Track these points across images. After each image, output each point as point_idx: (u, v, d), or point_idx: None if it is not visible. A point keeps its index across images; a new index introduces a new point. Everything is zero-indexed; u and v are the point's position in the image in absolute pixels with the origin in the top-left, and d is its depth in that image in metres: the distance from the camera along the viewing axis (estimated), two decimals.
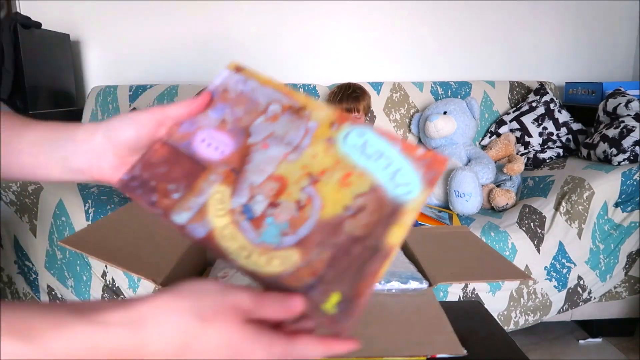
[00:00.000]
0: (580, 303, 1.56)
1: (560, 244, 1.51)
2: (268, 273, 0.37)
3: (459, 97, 2.10)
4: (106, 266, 1.40)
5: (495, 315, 1.52)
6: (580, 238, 1.51)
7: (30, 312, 0.27)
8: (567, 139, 1.96)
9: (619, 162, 1.58)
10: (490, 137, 2.06)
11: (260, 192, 0.40)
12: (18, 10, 2.04)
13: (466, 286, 1.46)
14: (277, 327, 0.35)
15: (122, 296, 1.45)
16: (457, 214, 1.67)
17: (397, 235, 0.37)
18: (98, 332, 0.28)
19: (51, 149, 0.44)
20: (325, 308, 0.35)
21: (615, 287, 1.58)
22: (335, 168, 0.41)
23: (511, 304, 1.51)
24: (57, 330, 0.27)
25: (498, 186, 1.79)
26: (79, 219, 1.42)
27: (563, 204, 1.52)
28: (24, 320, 0.27)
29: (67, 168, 0.44)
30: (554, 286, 1.52)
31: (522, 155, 1.95)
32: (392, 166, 0.41)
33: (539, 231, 1.51)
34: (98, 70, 2.19)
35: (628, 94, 1.75)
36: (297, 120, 0.44)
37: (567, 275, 1.52)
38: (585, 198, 1.50)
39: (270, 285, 0.36)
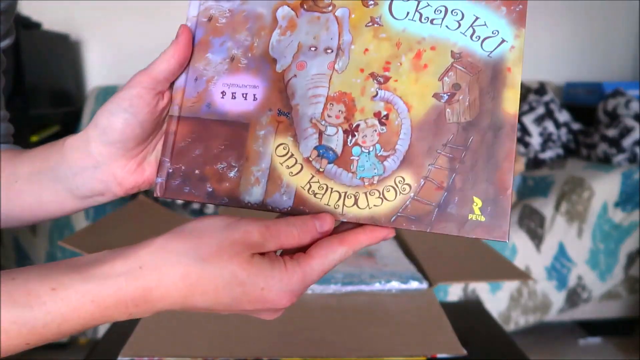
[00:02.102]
0: (580, 303, 1.56)
1: (560, 244, 1.51)
2: (389, 211, 0.31)
3: None
4: None
5: (495, 315, 1.51)
6: (580, 238, 1.51)
7: (27, 277, 0.26)
8: (567, 139, 1.96)
9: (619, 162, 1.58)
10: None
11: (328, 123, 0.33)
12: (18, 10, 2.04)
13: (466, 286, 1.46)
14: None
15: None
16: None
17: (513, 99, 0.31)
18: (98, 287, 0.27)
19: (52, 182, 0.37)
20: (474, 218, 0.30)
21: (615, 287, 1.59)
22: (398, 54, 0.32)
23: (511, 304, 1.51)
24: (56, 292, 0.26)
25: None
26: (79, 219, 1.42)
27: (563, 204, 1.52)
28: (21, 286, 0.26)
29: (79, 197, 0.37)
30: (554, 286, 1.52)
31: (522, 155, 1.95)
32: (465, 20, 0.32)
33: (539, 231, 1.51)
34: (98, 70, 2.19)
35: (628, 94, 1.75)
36: (321, 15, 0.34)
37: (567, 275, 1.52)
38: (585, 198, 1.50)
39: (398, 224, 0.31)
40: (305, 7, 0.34)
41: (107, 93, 2.00)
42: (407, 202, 0.31)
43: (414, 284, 0.64)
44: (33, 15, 1.81)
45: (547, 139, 1.97)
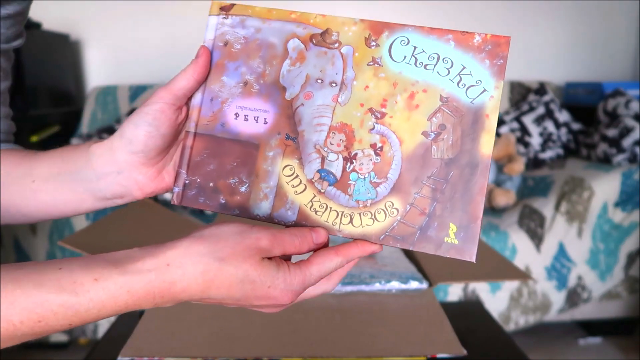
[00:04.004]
0: (580, 303, 1.56)
1: (560, 244, 1.51)
2: (379, 230, 0.36)
3: None
4: None
5: (495, 315, 1.52)
6: (580, 238, 1.51)
7: (71, 268, 0.31)
8: (567, 139, 1.96)
9: (619, 162, 1.59)
10: None
11: (330, 150, 0.37)
12: None
13: (466, 286, 1.46)
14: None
15: None
16: None
17: (488, 142, 0.35)
18: (132, 279, 0.31)
19: (73, 183, 0.40)
20: (449, 241, 0.35)
21: (615, 287, 1.59)
22: (394, 93, 0.37)
23: (511, 304, 1.51)
24: (98, 282, 0.30)
25: (498, 186, 1.79)
26: (79, 219, 1.42)
27: (563, 204, 1.52)
28: (67, 276, 0.30)
29: (100, 198, 0.41)
30: (554, 286, 1.52)
31: (522, 155, 1.95)
32: (454, 68, 0.36)
33: (539, 231, 1.51)
34: (98, 70, 2.19)
35: (628, 94, 1.75)
36: (328, 50, 0.38)
37: (567, 275, 1.52)
38: (585, 198, 1.50)
39: (386, 242, 0.36)
40: (314, 41, 0.38)
41: (106, 93, 2.00)
42: (395, 224, 0.36)
43: (414, 284, 0.64)
44: (33, 15, 1.81)
45: (547, 139, 1.97)
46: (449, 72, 0.36)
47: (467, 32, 0.37)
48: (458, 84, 0.36)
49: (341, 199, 0.36)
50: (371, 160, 0.36)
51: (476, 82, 0.36)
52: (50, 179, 0.40)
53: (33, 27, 1.75)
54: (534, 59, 2.31)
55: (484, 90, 0.36)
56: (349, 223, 0.36)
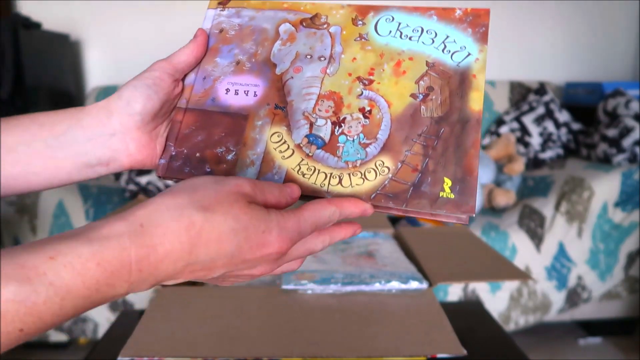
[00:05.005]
0: (580, 303, 1.56)
1: (560, 244, 1.51)
2: (370, 189, 0.35)
3: None
4: None
5: (495, 315, 1.52)
6: (580, 238, 1.51)
7: (14, 253, 0.24)
8: (567, 139, 1.96)
9: (619, 162, 1.59)
10: (490, 137, 2.06)
11: (318, 116, 0.37)
12: (18, 10, 2.04)
13: (466, 286, 1.46)
14: None
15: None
16: None
17: (477, 99, 0.36)
18: (102, 247, 0.25)
19: (51, 149, 0.37)
20: (445, 195, 0.34)
21: (615, 287, 1.59)
22: (381, 62, 0.38)
23: (511, 304, 1.51)
24: (56, 260, 0.24)
25: (498, 186, 1.79)
26: (79, 219, 1.42)
27: (563, 203, 1.52)
28: (10, 262, 0.23)
29: (81, 165, 0.37)
30: (554, 286, 1.52)
31: (522, 155, 1.95)
32: (438, 37, 0.37)
33: (539, 231, 1.51)
34: (98, 70, 2.19)
35: (628, 94, 1.75)
36: (317, 30, 0.39)
37: (567, 275, 1.52)
38: (585, 198, 1.50)
39: (377, 201, 0.35)
40: (304, 24, 0.40)
41: (107, 93, 2.00)
42: (386, 182, 0.35)
43: (414, 284, 0.64)
44: (33, 15, 1.81)
45: (547, 139, 1.97)
46: (433, 41, 0.37)
47: (448, 8, 0.38)
48: (443, 50, 0.37)
49: (330, 161, 0.36)
50: (360, 122, 0.36)
51: (460, 48, 0.37)
52: (17, 148, 0.36)
53: (33, 27, 1.75)
54: (534, 59, 2.31)
55: (469, 54, 0.37)
56: (337, 184, 0.35)
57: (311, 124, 0.37)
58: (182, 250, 0.28)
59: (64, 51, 2.03)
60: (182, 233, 0.27)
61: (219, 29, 0.41)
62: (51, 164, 0.37)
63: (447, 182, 0.34)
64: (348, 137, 0.36)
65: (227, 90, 0.39)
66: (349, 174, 0.35)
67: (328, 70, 0.38)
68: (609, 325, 1.66)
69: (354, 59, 0.38)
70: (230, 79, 0.39)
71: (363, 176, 0.35)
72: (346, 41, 0.39)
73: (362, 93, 0.37)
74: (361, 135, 0.36)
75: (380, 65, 0.37)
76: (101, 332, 1.49)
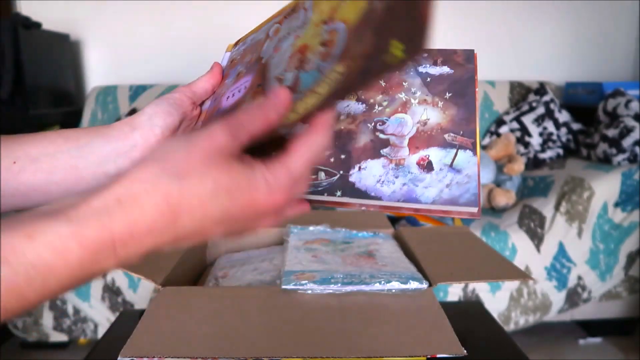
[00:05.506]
0: (580, 303, 1.56)
1: (560, 244, 1.51)
2: (329, 90, 0.31)
3: None
4: None
5: (495, 315, 1.52)
6: (580, 238, 1.51)
7: None
8: (567, 139, 1.96)
9: (619, 162, 1.59)
10: (490, 137, 2.06)
11: (287, 72, 0.36)
12: (18, 10, 2.04)
13: (466, 286, 1.46)
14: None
15: (122, 296, 1.45)
16: None
17: None
18: (81, 226, 0.24)
19: (75, 159, 0.38)
20: (393, 53, 0.29)
21: (615, 287, 1.59)
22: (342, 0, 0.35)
23: (511, 304, 1.51)
24: (35, 239, 0.23)
25: (498, 186, 1.79)
26: None
27: (563, 204, 1.52)
28: None
29: (102, 175, 0.39)
30: (554, 286, 1.52)
31: (522, 155, 1.96)
32: None
33: (539, 231, 1.51)
34: (98, 70, 2.19)
35: (628, 94, 1.75)
36: (295, 14, 0.41)
37: (567, 275, 1.52)
38: (585, 198, 1.50)
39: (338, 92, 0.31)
40: (286, 17, 0.42)
41: (106, 93, 2.00)
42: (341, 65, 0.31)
43: (414, 284, 0.64)
44: (33, 15, 1.81)
45: (547, 139, 1.97)
46: None
47: None
48: None
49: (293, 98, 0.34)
50: (319, 52, 0.33)
51: None
52: (41, 158, 0.38)
53: (33, 27, 1.75)
54: (534, 59, 2.31)
55: None
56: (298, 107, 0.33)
57: (280, 79, 0.36)
58: (165, 221, 0.27)
59: (64, 51, 2.03)
60: (162, 204, 0.26)
61: (230, 61, 0.47)
62: (72, 173, 0.38)
63: (398, 45, 0.29)
64: (305, 70, 0.34)
65: (227, 97, 0.42)
66: (306, 96, 0.32)
67: (299, 34, 0.38)
68: (609, 325, 1.66)
69: (322, 12, 0.36)
70: (231, 88, 0.43)
71: (317, 93, 0.32)
72: (317, 6, 0.37)
73: (323, 30, 0.35)
74: (317, 60, 0.33)
75: (340, 2, 0.34)
76: (101, 332, 1.49)
